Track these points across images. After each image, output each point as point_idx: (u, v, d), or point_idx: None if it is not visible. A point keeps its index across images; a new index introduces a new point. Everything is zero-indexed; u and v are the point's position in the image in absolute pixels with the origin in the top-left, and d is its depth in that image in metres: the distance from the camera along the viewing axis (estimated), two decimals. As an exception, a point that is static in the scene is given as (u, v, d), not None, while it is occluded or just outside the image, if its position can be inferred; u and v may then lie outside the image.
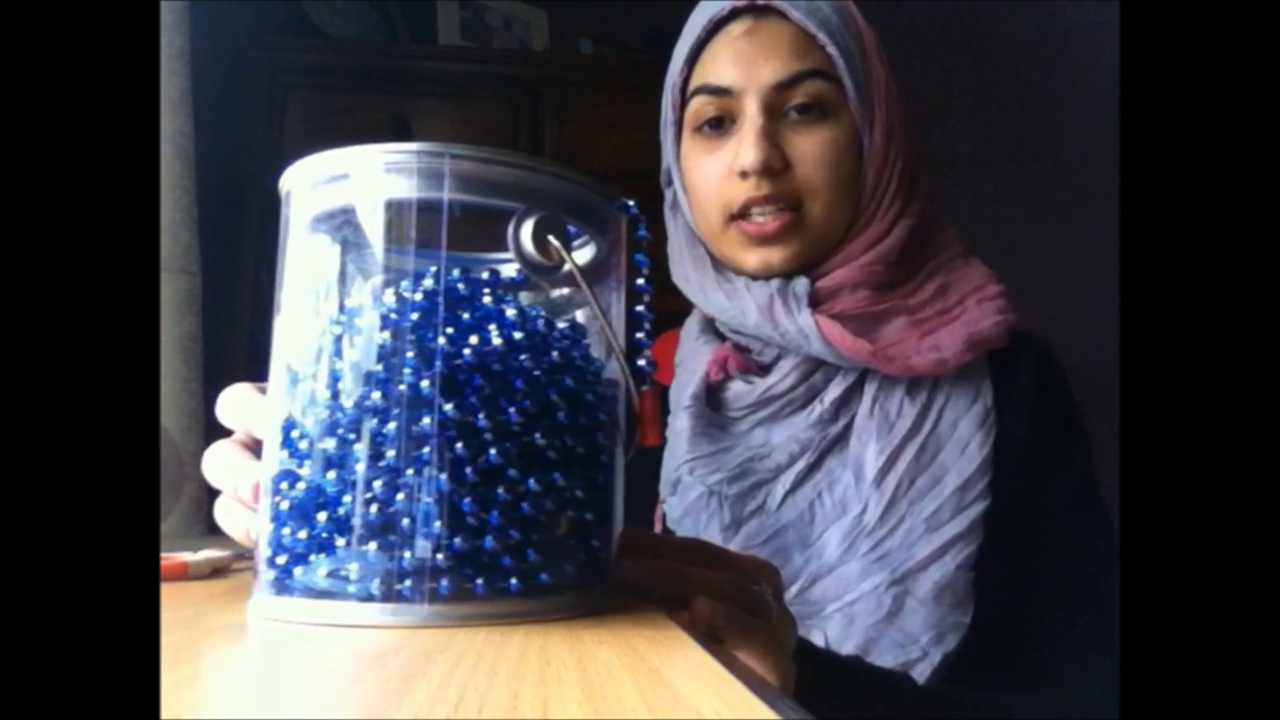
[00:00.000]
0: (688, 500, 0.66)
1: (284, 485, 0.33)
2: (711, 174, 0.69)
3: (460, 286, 0.35)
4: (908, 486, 0.63)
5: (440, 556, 0.30)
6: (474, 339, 0.33)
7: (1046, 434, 0.68)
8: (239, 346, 1.59)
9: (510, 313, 0.34)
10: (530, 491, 0.32)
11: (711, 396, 0.70)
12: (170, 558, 0.44)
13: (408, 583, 0.30)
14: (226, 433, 0.40)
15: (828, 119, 0.67)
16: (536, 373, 0.33)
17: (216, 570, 0.48)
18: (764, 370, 0.70)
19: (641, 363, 0.38)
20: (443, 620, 0.30)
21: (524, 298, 0.38)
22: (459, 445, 0.31)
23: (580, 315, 0.39)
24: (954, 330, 0.66)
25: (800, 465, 0.65)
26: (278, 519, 0.33)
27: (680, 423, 0.68)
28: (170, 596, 0.38)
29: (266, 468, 0.35)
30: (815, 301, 0.67)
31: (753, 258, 0.69)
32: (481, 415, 0.31)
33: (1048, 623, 0.64)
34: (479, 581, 0.31)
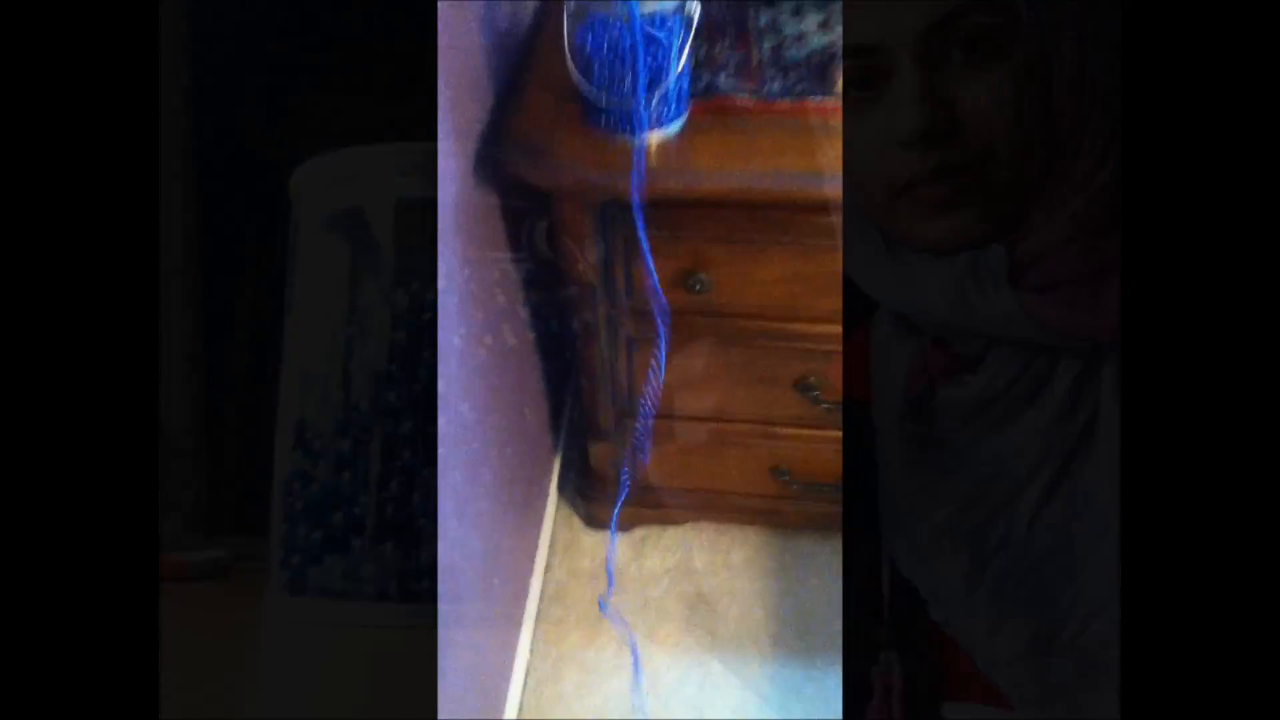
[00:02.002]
0: (918, 544, 0.53)
1: (296, 485, 0.33)
2: (865, 144, 0.54)
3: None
4: None
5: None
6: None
7: None
8: (239, 346, 1.58)
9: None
10: (545, 491, 0.32)
11: (917, 411, 0.55)
12: (170, 558, 0.44)
13: (424, 582, 0.30)
14: (227, 433, 0.40)
15: (1001, 53, 0.50)
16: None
17: (216, 570, 0.47)
18: (971, 364, 0.55)
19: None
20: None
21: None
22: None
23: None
24: None
25: (1044, 478, 0.52)
26: (291, 519, 0.33)
27: (887, 451, 0.58)
28: (171, 597, 0.38)
29: (279, 468, 0.34)
30: (1017, 273, 0.52)
31: (933, 229, 0.52)
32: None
33: None
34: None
